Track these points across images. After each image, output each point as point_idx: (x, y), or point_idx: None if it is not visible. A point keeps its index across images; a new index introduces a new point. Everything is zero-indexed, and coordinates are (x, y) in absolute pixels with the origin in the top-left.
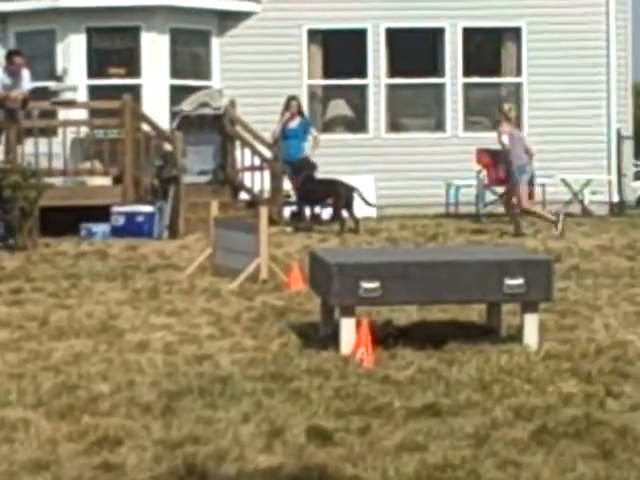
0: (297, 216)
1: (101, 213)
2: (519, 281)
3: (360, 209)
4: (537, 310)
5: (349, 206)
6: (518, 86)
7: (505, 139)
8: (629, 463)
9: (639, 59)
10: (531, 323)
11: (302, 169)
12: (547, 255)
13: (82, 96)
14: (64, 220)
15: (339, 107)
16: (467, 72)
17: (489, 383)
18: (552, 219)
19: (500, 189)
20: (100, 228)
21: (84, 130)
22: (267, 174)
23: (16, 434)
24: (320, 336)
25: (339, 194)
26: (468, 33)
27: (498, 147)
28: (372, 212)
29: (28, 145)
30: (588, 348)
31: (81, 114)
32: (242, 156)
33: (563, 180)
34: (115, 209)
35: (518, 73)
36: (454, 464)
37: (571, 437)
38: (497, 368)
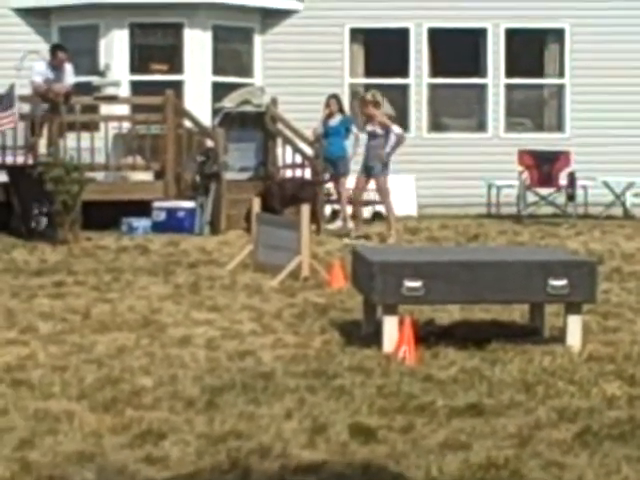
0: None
1: (142, 208)
2: (563, 282)
3: (400, 207)
4: (581, 311)
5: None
6: (561, 88)
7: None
8: None
9: None
10: (574, 324)
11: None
12: (590, 257)
13: (124, 91)
14: (105, 215)
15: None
16: (509, 73)
17: (532, 384)
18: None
19: (542, 190)
20: (141, 223)
21: (126, 125)
22: (308, 172)
23: (60, 426)
24: (362, 334)
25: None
26: (511, 34)
27: (540, 148)
28: (413, 211)
29: (70, 139)
30: (632, 350)
31: (123, 109)
32: (283, 153)
33: (605, 183)
34: (156, 204)
35: (561, 74)
36: (498, 464)
37: (615, 439)
38: (540, 369)
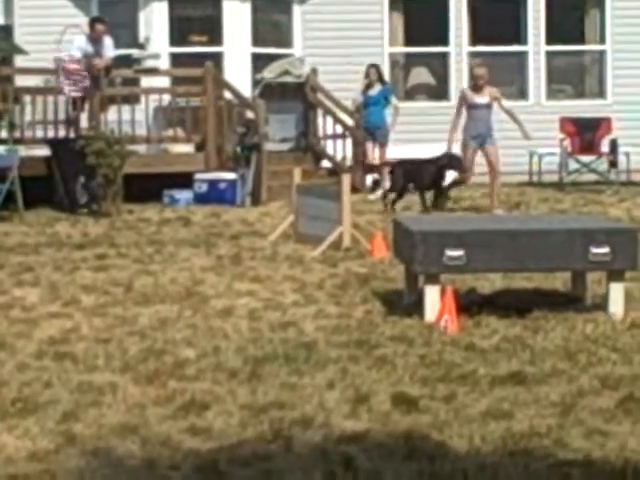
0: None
1: (184, 180)
2: (605, 249)
3: None
4: (623, 279)
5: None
6: (602, 54)
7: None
8: None
9: None
10: (617, 292)
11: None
12: (632, 224)
13: (164, 64)
14: (147, 187)
15: (421, 75)
16: (550, 40)
17: (575, 352)
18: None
19: (584, 157)
20: (183, 195)
21: (167, 98)
22: (349, 142)
23: (104, 398)
24: (404, 303)
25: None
26: (550, 0)
27: (582, 115)
28: None
29: (111, 113)
30: None
31: (163, 82)
32: (324, 124)
33: None
34: (198, 176)
35: (602, 41)
36: (540, 432)
37: None
38: (582, 337)
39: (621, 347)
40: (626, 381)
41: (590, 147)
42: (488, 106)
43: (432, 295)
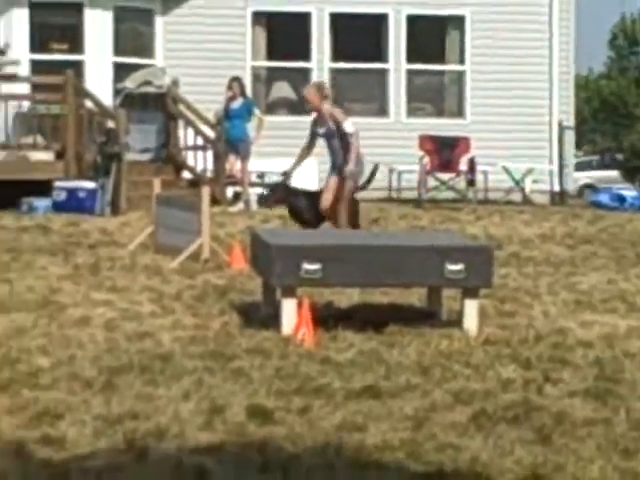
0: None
1: (43, 188)
2: (459, 267)
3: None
4: (477, 296)
5: None
6: (461, 74)
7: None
8: (566, 448)
9: (581, 50)
10: (471, 308)
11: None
12: (488, 242)
13: (24, 71)
14: (5, 194)
15: (282, 89)
16: (410, 58)
17: (429, 367)
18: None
19: (443, 175)
20: (42, 203)
21: (26, 104)
22: (210, 154)
23: None
24: (261, 316)
25: None
26: (412, 20)
27: (441, 133)
28: None
29: None
30: (527, 334)
31: (23, 88)
32: (185, 135)
33: (505, 168)
34: (57, 184)
35: (461, 61)
36: (393, 445)
37: (509, 422)
38: (437, 352)
39: (474, 363)
40: (479, 396)
41: (448, 165)
42: (326, 134)
43: (289, 308)
